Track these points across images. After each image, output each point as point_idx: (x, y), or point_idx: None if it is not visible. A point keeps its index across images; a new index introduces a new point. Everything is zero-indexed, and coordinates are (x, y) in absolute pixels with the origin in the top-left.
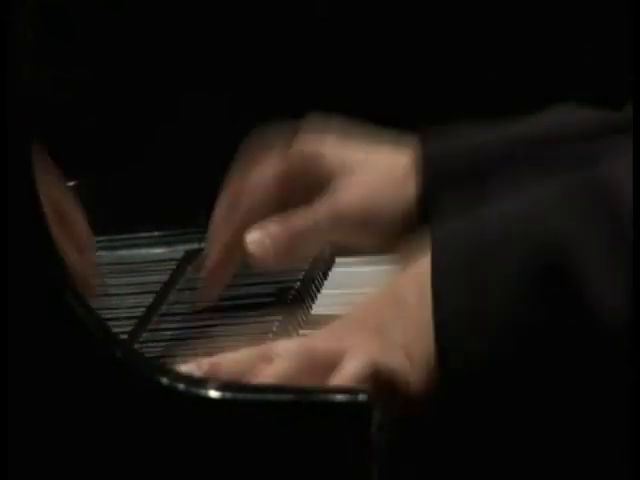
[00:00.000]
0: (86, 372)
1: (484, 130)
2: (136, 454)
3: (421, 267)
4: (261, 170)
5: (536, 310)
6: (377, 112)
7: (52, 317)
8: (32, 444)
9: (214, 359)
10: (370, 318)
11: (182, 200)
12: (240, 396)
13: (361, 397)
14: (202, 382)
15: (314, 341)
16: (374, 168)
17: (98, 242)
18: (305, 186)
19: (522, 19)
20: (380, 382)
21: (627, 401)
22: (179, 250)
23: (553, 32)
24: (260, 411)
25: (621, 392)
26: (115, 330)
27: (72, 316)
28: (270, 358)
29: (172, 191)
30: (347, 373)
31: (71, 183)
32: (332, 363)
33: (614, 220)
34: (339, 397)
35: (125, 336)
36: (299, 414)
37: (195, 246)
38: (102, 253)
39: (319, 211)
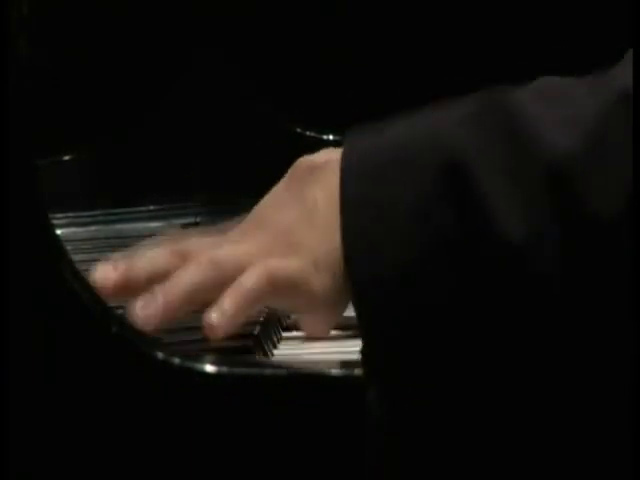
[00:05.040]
0: (82, 347)
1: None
2: (132, 429)
3: (330, 172)
4: None
5: (440, 227)
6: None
7: (48, 292)
8: (30, 419)
9: (128, 260)
10: (275, 217)
11: (179, 174)
12: (236, 370)
13: (357, 371)
14: (198, 357)
15: (221, 247)
16: None
17: (95, 216)
18: None
19: (522, 19)
20: (279, 288)
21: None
22: (175, 224)
23: (552, 32)
24: (256, 385)
25: (524, 317)
26: (111, 305)
27: (68, 291)
28: (183, 257)
29: (168, 165)
30: (244, 288)
31: (67, 157)
32: (236, 270)
33: (517, 141)
34: (335, 371)
35: (121, 311)
36: (295, 388)
37: (191, 220)
38: (99, 227)
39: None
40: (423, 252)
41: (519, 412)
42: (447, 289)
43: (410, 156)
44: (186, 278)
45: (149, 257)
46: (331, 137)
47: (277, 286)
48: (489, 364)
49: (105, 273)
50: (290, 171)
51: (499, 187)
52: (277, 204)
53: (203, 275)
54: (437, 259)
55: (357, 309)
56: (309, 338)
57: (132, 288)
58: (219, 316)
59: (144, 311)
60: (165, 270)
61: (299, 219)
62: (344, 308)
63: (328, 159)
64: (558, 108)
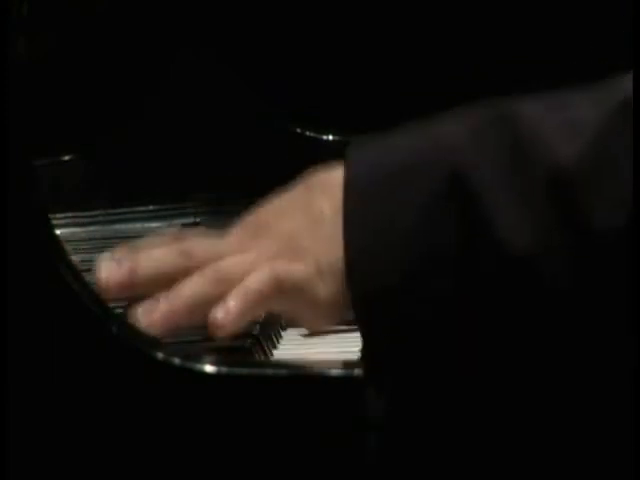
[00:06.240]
0: (82, 347)
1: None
2: (132, 429)
3: (336, 182)
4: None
5: (442, 238)
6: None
7: (48, 292)
8: (30, 418)
9: (133, 258)
10: (279, 224)
11: (178, 174)
12: (236, 370)
13: (356, 371)
14: (198, 357)
15: (225, 249)
16: None
17: (94, 216)
18: None
19: (523, 19)
20: (285, 292)
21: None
22: (175, 224)
23: (552, 32)
24: (255, 385)
25: (533, 325)
26: (111, 305)
27: (68, 291)
28: (189, 258)
29: (168, 165)
30: (249, 289)
31: (67, 157)
32: (241, 274)
33: (520, 152)
34: (334, 371)
35: (121, 311)
36: (294, 388)
37: (191, 220)
38: (98, 227)
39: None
40: (423, 263)
41: (520, 413)
42: (445, 299)
43: (412, 170)
44: (190, 290)
45: (155, 257)
46: (330, 137)
47: (282, 289)
48: (488, 369)
49: (109, 272)
50: (299, 182)
51: (501, 199)
52: (281, 212)
53: (207, 288)
54: (437, 270)
55: (357, 317)
56: (309, 337)
57: (136, 288)
58: (224, 315)
59: (146, 318)
60: (170, 272)
61: (304, 228)
62: (345, 313)
63: (336, 174)
64: (560, 117)
